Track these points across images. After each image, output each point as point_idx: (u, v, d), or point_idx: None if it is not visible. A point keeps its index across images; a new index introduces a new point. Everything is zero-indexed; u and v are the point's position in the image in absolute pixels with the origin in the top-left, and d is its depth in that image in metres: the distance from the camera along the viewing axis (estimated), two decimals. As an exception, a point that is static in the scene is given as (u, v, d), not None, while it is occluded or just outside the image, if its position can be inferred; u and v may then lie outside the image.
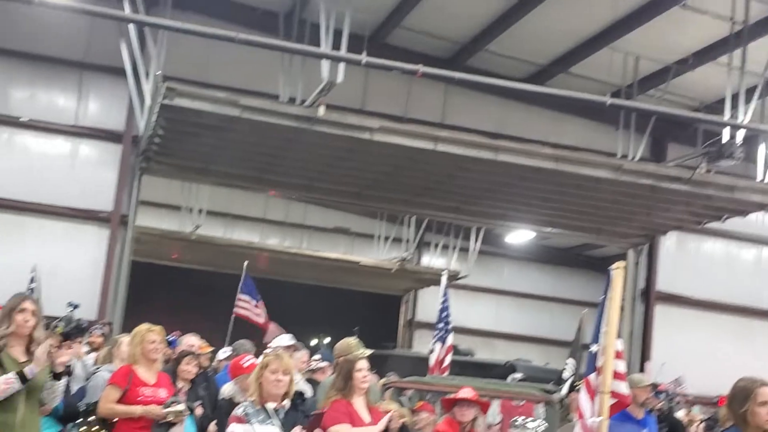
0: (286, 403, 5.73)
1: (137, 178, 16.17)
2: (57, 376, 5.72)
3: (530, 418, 6.58)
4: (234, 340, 10.30)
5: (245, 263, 13.37)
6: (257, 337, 11.77)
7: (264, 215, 23.20)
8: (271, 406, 5.59)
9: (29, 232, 15.62)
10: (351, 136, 13.49)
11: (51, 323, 9.24)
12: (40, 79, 16.27)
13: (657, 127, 17.62)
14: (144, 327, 6.85)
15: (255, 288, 13.65)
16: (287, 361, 5.83)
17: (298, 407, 5.98)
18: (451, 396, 7.18)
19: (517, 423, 6.52)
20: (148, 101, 14.38)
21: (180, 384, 7.45)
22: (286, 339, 8.90)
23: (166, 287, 24.68)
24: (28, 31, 15.68)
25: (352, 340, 7.87)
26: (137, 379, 6.63)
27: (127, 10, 13.56)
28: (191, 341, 8.58)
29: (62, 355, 5.71)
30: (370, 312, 24.44)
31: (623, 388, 6.05)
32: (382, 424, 6.09)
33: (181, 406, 6.52)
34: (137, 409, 6.36)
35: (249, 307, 13.14)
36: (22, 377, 5.48)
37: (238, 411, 5.60)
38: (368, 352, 7.60)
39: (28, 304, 5.73)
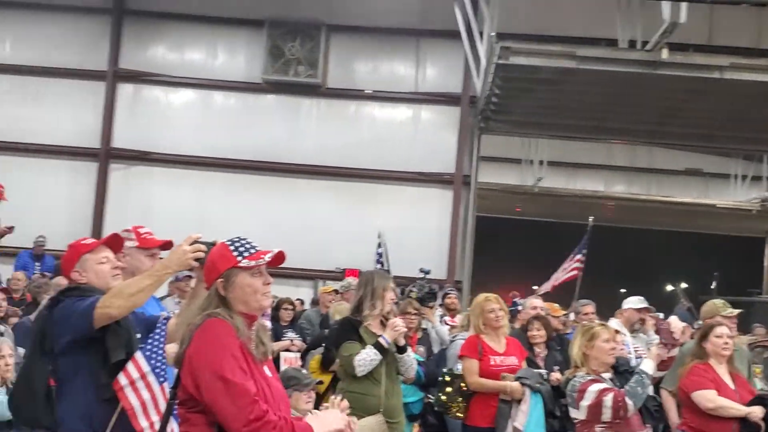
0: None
1: (476, 138, 16.39)
2: (400, 350, 5.94)
3: None
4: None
5: (590, 219, 12.88)
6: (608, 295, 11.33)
7: (608, 161, 22.54)
8: (608, 376, 5.33)
9: (379, 199, 16.39)
10: (699, 77, 12.61)
11: (405, 289, 9.65)
12: (380, 52, 16.92)
13: None
14: (481, 298, 6.81)
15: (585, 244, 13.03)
16: (612, 329, 5.58)
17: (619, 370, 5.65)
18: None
19: None
20: (483, 62, 14.42)
21: (536, 350, 7.33)
22: (636, 301, 8.38)
23: (509, 239, 25.00)
24: (366, 7, 16.39)
25: (718, 302, 7.17)
26: (486, 348, 6.63)
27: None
28: (534, 303, 8.42)
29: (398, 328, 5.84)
30: (729, 256, 23.07)
31: None
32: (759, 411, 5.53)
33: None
34: (505, 387, 6.37)
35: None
36: (380, 348, 5.78)
37: (592, 387, 5.24)
38: (735, 311, 6.98)
39: (392, 283, 6.02)
